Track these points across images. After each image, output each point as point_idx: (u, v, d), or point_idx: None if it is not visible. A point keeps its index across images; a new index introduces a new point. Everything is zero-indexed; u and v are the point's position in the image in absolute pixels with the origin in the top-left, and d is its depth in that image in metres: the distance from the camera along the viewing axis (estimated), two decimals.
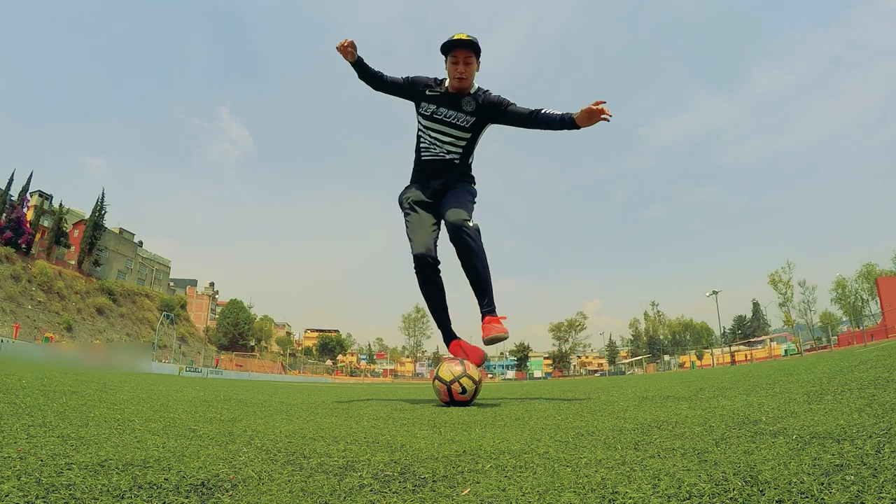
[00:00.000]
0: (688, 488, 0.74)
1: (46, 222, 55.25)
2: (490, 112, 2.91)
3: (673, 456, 0.99)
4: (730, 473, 0.80)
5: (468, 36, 2.78)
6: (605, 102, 2.63)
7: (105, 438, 1.18)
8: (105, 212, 59.96)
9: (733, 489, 0.72)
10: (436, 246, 2.87)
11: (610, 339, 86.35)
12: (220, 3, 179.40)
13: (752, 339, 60.64)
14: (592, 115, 2.67)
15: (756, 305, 79.64)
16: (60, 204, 56.89)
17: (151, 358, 35.22)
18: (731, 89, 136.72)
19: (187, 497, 0.74)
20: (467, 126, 2.92)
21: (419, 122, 3.03)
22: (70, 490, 0.73)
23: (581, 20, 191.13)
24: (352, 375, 71.92)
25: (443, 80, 2.97)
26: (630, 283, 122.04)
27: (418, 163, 3.11)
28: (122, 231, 68.09)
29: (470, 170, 3.12)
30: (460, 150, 3.00)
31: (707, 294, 46.15)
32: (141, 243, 72.00)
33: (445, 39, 2.80)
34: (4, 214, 47.95)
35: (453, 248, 2.77)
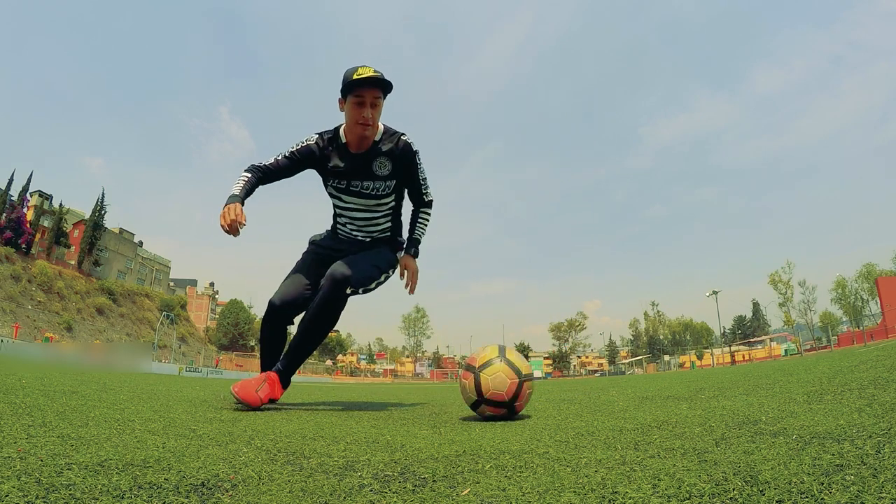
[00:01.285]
0: (688, 488, 0.74)
1: (46, 222, 55.27)
2: (405, 167, 2.49)
3: (673, 456, 0.99)
4: (730, 473, 0.80)
5: (375, 71, 2.27)
6: (413, 284, 2.59)
7: (105, 438, 1.17)
8: (105, 212, 60.03)
9: (733, 489, 0.72)
10: (295, 302, 2.53)
11: (610, 339, 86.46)
12: (220, 3, 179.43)
13: (752, 339, 60.64)
14: (406, 273, 2.59)
15: (756, 305, 79.70)
16: (60, 204, 56.93)
17: (151, 358, 35.23)
18: (731, 89, 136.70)
19: (187, 497, 0.74)
20: (388, 192, 2.51)
21: (331, 194, 2.59)
22: (70, 490, 0.73)
23: (581, 20, 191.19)
24: (352, 375, 71.90)
25: (335, 136, 2.45)
26: (630, 283, 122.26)
27: (334, 231, 2.72)
28: (122, 231, 68.13)
29: (398, 232, 2.75)
30: (388, 218, 2.63)
31: (707, 294, 46.16)
32: (141, 243, 72.03)
33: (347, 71, 2.30)
34: (4, 214, 47.95)
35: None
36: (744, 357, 42.79)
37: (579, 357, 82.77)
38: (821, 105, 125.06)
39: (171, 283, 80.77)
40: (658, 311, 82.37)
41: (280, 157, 2.48)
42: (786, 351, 41.29)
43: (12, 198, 49.43)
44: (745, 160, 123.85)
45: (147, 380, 5.70)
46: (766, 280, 63.11)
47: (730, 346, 54.20)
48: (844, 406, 1.45)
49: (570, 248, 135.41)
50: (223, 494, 0.77)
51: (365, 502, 0.75)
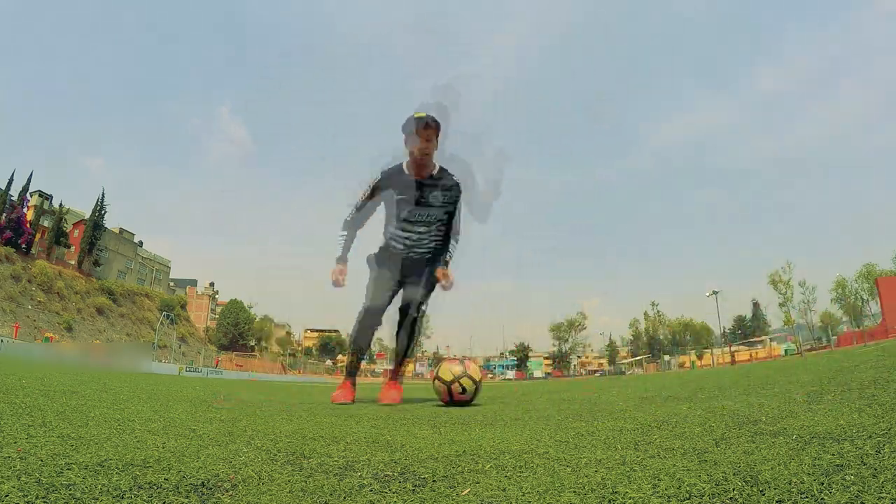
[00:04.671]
0: (688, 488, 0.74)
1: (46, 222, 55.25)
2: (456, 199, 3.08)
3: (673, 456, 0.99)
4: (730, 473, 0.80)
5: (427, 115, 2.92)
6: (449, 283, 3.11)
7: (105, 438, 1.17)
8: (105, 212, 59.95)
9: (733, 489, 0.72)
10: (382, 308, 3.12)
11: (610, 339, 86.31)
12: (221, 3, 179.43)
13: (752, 339, 60.63)
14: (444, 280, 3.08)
15: (756, 305, 79.55)
16: (60, 204, 56.89)
17: (151, 358, 35.20)
18: (731, 89, 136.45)
19: (187, 497, 0.74)
20: (445, 217, 3.08)
21: (390, 221, 3.13)
22: (70, 490, 0.73)
23: (581, 21, 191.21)
24: None
25: (400, 167, 3.03)
26: (630, 283, 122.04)
27: (385, 250, 3.19)
28: (122, 231, 68.09)
29: (454, 235, 3.21)
30: (441, 236, 3.13)
31: (707, 294, 46.11)
32: (141, 243, 72.00)
33: (408, 118, 2.94)
34: (4, 214, 47.94)
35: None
36: (744, 357, 42.78)
37: (579, 357, 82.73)
38: (821, 105, 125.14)
39: (171, 283, 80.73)
40: (658, 311, 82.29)
41: (358, 202, 3.13)
42: (786, 351, 41.27)
43: (12, 198, 49.41)
44: (745, 160, 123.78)
45: (147, 380, 5.70)
46: (766, 280, 63.17)
47: (730, 346, 54.19)
48: (844, 406, 1.45)
49: (570, 247, 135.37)
50: (223, 494, 0.77)
51: (365, 502, 0.75)
